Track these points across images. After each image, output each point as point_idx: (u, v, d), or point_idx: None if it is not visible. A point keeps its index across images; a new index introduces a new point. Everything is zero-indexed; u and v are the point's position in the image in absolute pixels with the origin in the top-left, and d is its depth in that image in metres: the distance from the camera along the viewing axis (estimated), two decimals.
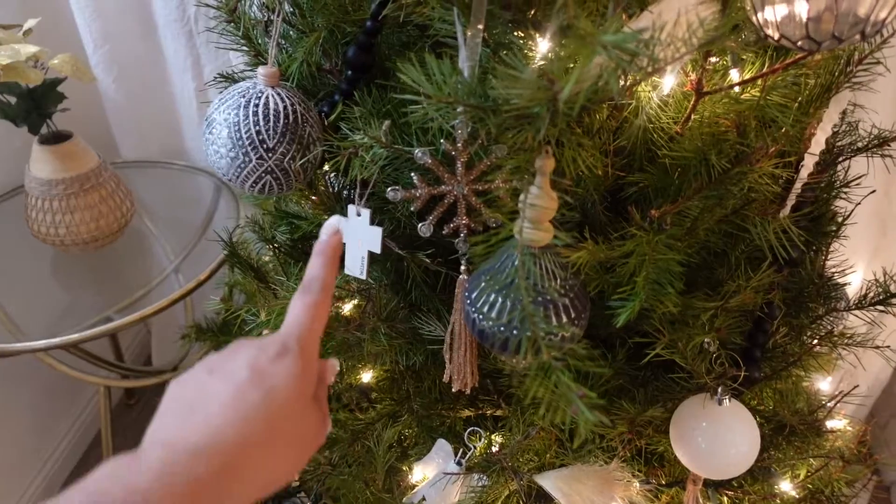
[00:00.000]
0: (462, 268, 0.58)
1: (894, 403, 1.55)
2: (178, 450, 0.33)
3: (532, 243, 0.45)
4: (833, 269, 0.76)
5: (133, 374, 1.60)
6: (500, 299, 0.46)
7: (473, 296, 0.48)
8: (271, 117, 0.59)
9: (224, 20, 0.67)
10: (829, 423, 0.83)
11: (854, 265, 0.79)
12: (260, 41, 0.68)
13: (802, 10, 0.45)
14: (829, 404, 0.82)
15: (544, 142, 0.42)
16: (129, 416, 1.78)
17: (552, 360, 0.39)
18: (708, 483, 0.76)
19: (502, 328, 0.46)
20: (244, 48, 0.68)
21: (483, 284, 0.48)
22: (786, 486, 0.78)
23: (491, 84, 0.42)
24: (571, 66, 0.35)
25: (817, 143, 0.61)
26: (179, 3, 1.36)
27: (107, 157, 1.21)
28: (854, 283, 0.78)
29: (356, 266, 0.62)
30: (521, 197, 0.44)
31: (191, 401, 0.36)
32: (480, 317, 0.47)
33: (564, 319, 0.46)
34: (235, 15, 0.66)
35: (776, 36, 0.48)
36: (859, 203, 0.72)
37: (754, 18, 0.48)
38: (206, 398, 0.36)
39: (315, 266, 0.43)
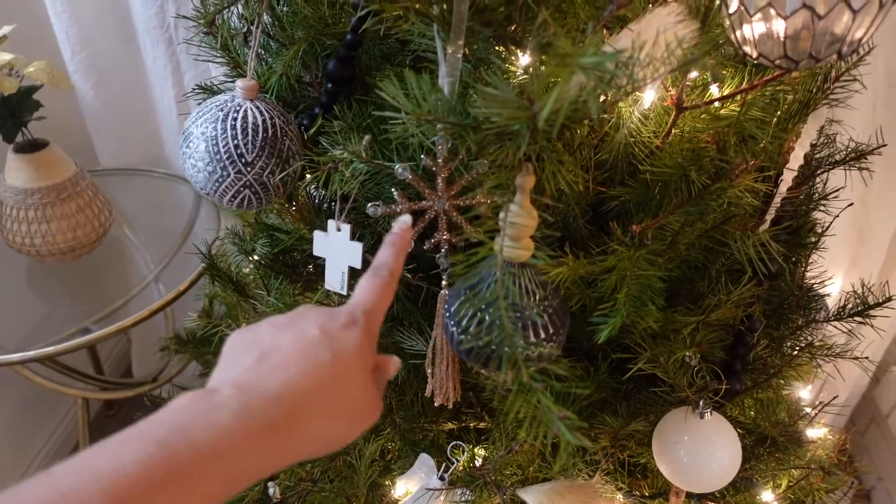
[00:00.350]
0: (443, 282, 0.57)
1: (873, 409, 1.57)
2: (254, 393, 0.34)
3: (512, 260, 0.45)
4: (812, 280, 0.77)
5: (112, 386, 1.58)
6: (479, 316, 0.46)
7: (453, 310, 0.48)
8: (250, 131, 0.58)
9: (202, 32, 0.66)
10: (810, 433, 0.83)
11: (833, 275, 0.79)
12: (239, 52, 0.67)
13: (780, 29, 0.46)
14: (809, 414, 0.82)
15: (524, 158, 0.42)
16: (109, 428, 1.73)
17: (532, 382, 0.38)
18: (691, 494, 0.76)
19: (482, 345, 0.46)
20: (222, 60, 0.67)
21: (463, 299, 0.47)
22: (767, 497, 0.79)
23: (471, 101, 0.41)
24: (552, 82, 0.35)
25: (796, 159, 0.61)
26: (159, 9, 1.34)
27: (85, 165, 1.19)
28: (833, 291, 0.79)
29: (337, 281, 0.62)
30: (501, 215, 0.44)
31: (261, 350, 0.37)
32: (459, 330, 0.47)
33: (542, 336, 0.46)
34: (214, 27, 0.65)
35: (754, 54, 0.48)
36: (837, 215, 0.72)
37: (733, 36, 0.48)
38: (278, 349, 0.37)
39: (385, 254, 0.45)
